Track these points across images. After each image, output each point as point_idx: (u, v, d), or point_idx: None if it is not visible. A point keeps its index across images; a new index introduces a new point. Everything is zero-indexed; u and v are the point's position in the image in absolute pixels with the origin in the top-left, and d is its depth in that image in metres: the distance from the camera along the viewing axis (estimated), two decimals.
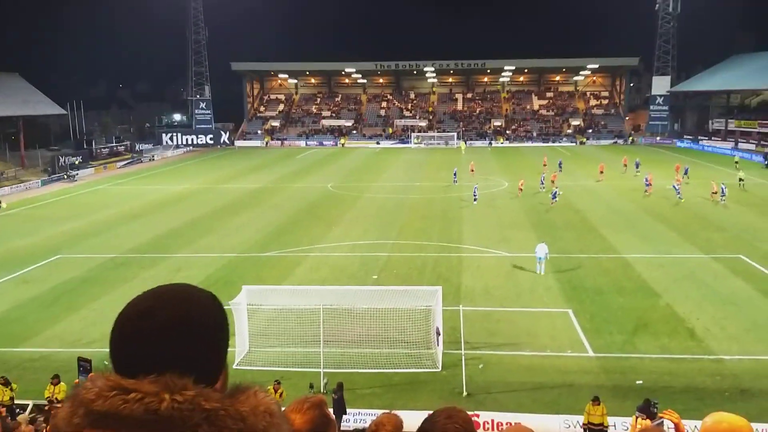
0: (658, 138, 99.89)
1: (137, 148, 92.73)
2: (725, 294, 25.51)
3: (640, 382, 18.33)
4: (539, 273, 28.11)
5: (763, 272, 28.25)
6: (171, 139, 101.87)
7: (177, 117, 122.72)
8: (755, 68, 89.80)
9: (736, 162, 65.90)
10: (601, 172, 57.51)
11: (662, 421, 2.75)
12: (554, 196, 44.45)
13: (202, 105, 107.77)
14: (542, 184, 50.68)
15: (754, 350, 20.36)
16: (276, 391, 16.42)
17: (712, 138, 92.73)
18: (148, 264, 31.18)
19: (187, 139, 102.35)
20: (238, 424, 1.28)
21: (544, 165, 62.29)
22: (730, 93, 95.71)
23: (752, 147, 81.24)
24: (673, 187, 47.32)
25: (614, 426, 15.76)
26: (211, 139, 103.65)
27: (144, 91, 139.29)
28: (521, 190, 48.01)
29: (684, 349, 20.47)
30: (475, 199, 45.36)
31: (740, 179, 50.87)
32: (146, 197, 52.19)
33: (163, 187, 58.44)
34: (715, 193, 44.77)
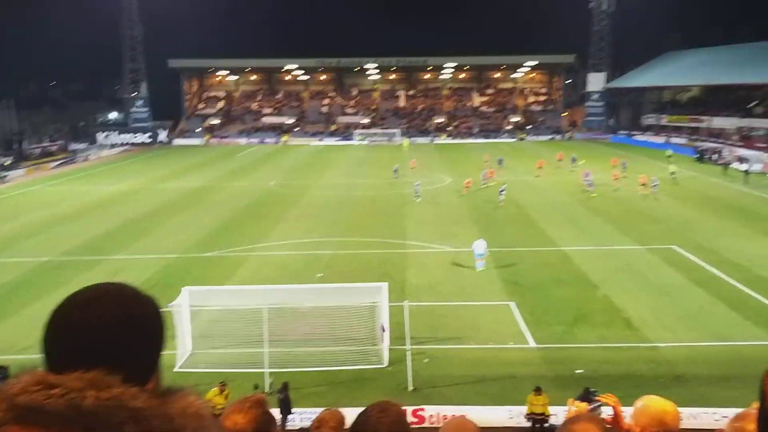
0: (592, 132, 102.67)
1: (71, 147, 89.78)
2: (659, 284, 26.42)
3: (580, 371, 18.83)
4: (479, 270, 28.38)
5: (695, 262, 29.38)
6: (106, 138, 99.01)
7: (113, 115, 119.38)
8: (685, 65, 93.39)
9: (669, 156, 68.48)
10: (540, 168, 58.78)
11: (599, 405, 2.82)
12: (501, 193, 43.84)
13: (139, 103, 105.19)
14: (484, 180, 51.46)
15: (686, 338, 21.15)
16: (222, 393, 16.19)
17: (646, 132, 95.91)
18: (83, 267, 30.22)
19: (123, 138, 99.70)
20: (165, 425, 1.26)
21: (486, 161, 63.26)
22: (662, 89, 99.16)
23: (683, 141, 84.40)
24: (585, 180, 48.42)
25: (556, 415, 16.12)
26: (148, 137, 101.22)
27: (78, 89, 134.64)
28: (467, 188, 48.34)
29: (621, 338, 21.12)
30: (417, 196, 45.68)
31: (671, 172, 52.82)
32: (81, 198, 50.59)
33: (99, 187, 56.75)
34: (644, 185, 46.36)
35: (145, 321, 1.43)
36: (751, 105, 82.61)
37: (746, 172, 53.65)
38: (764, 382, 1.51)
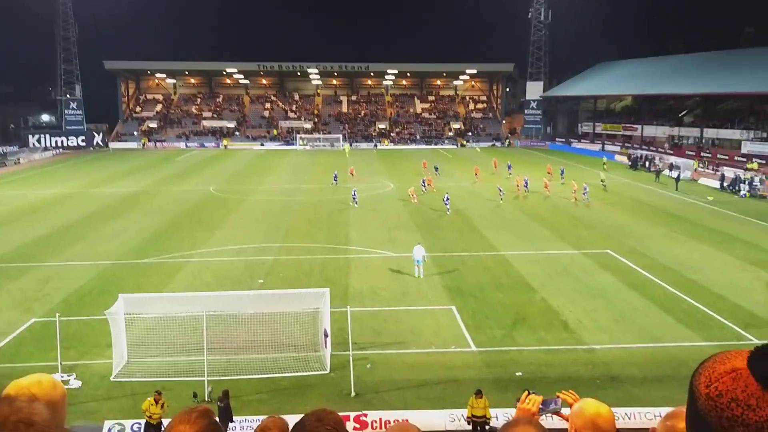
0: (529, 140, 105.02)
1: (1, 151, 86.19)
2: (595, 287, 27.15)
3: (520, 373, 19.15)
4: (418, 276, 28.41)
5: (628, 266, 30.32)
6: (39, 141, 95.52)
7: (45, 118, 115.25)
8: (618, 75, 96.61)
9: (604, 164, 70.77)
10: (476, 174, 59.71)
11: (559, 400, 2.83)
12: (446, 202, 43.55)
13: (73, 105, 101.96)
14: (424, 187, 51.91)
15: (622, 339, 21.77)
16: (157, 402, 15.78)
17: (582, 140, 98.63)
18: (14, 274, 29.03)
19: (56, 141, 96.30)
20: None
21: (424, 167, 64.06)
22: (596, 98, 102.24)
23: (617, 149, 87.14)
24: (498, 189, 49.04)
25: (496, 417, 16.33)
26: (83, 140, 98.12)
27: (7, 90, 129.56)
28: (414, 195, 48.04)
29: (559, 341, 21.58)
30: (354, 202, 45.53)
31: (602, 180, 54.63)
32: (11, 203, 48.57)
33: (30, 192, 54.63)
34: (576, 191, 47.85)
35: None
36: (681, 114, 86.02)
37: (677, 179, 55.77)
38: (692, 382, 1.56)
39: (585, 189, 47.43)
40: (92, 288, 27.01)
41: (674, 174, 59.05)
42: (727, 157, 67.39)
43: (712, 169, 59.58)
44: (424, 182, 52.78)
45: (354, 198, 46.03)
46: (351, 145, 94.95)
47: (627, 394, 17.83)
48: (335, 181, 56.11)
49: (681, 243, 34.84)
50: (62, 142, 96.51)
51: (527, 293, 26.45)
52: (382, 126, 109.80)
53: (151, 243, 35.18)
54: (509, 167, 63.90)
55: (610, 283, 27.70)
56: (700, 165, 59.49)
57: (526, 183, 51.03)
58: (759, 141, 67.14)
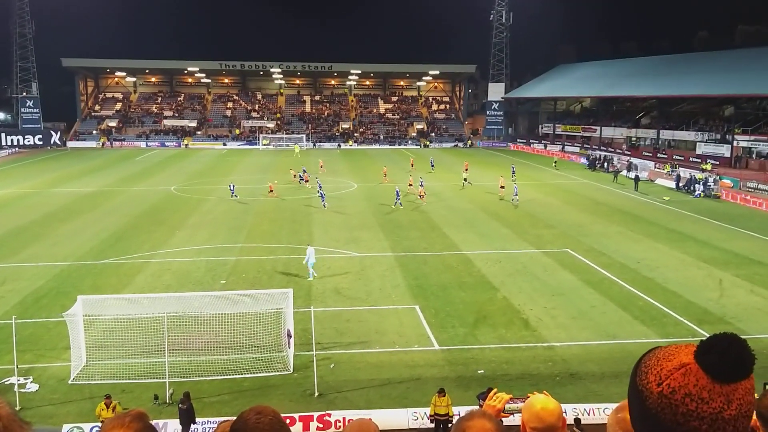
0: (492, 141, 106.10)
1: None
2: (554, 285, 27.62)
3: (482, 371, 19.40)
4: (311, 278, 28.12)
5: (587, 264, 30.91)
6: None
7: (0, 116, 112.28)
8: (577, 77, 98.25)
9: (555, 162, 72.56)
10: (385, 176, 59.28)
11: (524, 399, 2.91)
12: (398, 196, 45.35)
13: (29, 103, 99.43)
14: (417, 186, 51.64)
15: (580, 336, 22.21)
16: (108, 407, 15.57)
17: (542, 141, 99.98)
18: None
19: (12, 140, 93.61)
20: None
21: (385, 175, 64.64)
22: (556, 100, 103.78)
23: (576, 150, 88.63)
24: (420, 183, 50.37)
25: (459, 415, 16.52)
26: (39, 139, 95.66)
27: None
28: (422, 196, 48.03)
29: (519, 339, 21.91)
30: (323, 201, 45.35)
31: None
32: None
33: None
34: (503, 187, 49.58)
35: None
36: (639, 116, 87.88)
37: (636, 179, 56.89)
38: (637, 381, 1.62)
39: (515, 191, 48.01)
40: (50, 289, 26.48)
41: (632, 174, 60.29)
42: (682, 158, 69.08)
43: (668, 173, 60.81)
44: (421, 183, 51.84)
45: (322, 197, 45.70)
46: (299, 145, 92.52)
47: (586, 390, 18.21)
48: (302, 180, 56.14)
49: (638, 242, 35.62)
50: (18, 140, 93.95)
51: (489, 292, 26.76)
52: (345, 126, 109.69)
53: (111, 244, 34.60)
54: (432, 165, 68.28)
55: (569, 281, 28.20)
56: (672, 169, 60.39)
57: (422, 183, 50.73)
58: (713, 143, 69.01)
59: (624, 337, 22.05)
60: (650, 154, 74.61)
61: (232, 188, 49.49)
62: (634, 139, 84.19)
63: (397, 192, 45.97)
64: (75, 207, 45.51)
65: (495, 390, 3.16)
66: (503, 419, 2.87)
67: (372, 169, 68.61)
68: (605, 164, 71.66)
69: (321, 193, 46.34)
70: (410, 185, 51.64)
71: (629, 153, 77.28)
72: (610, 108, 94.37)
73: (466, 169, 58.86)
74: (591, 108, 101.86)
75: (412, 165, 67.99)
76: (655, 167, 65.41)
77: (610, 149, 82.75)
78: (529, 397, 2.85)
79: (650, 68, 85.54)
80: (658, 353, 1.61)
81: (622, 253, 32.76)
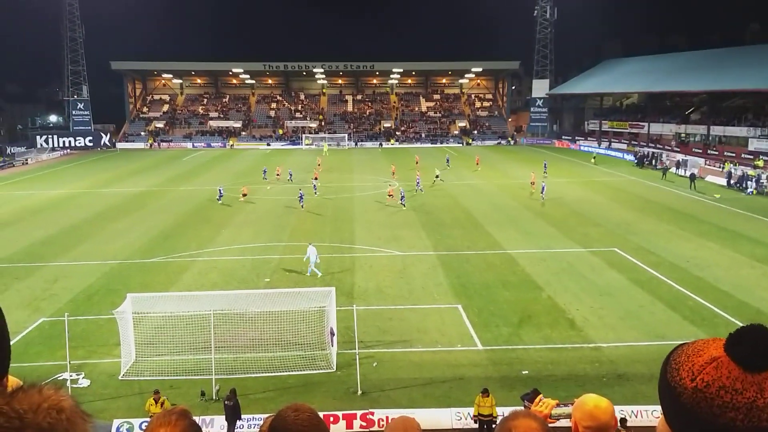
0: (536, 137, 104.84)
1: (8, 151, 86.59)
2: (601, 285, 27.12)
3: (526, 372, 19.15)
4: (311, 275, 28.17)
5: (635, 263, 30.27)
6: (46, 141, 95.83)
7: (53, 118, 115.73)
8: (624, 73, 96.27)
9: (594, 157, 71.62)
10: (393, 174, 59.18)
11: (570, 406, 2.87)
12: (402, 198, 45.12)
13: (80, 105, 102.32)
14: (418, 185, 51.76)
15: (628, 337, 21.75)
16: (157, 402, 15.86)
17: (588, 138, 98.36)
18: (22, 274, 29.23)
19: (64, 142, 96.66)
20: (12, 422, 1.25)
21: (417, 163, 65.24)
22: (602, 96, 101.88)
23: (624, 146, 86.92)
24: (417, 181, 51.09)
25: (503, 416, 16.34)
26: (90, 141, 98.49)
27: (15, 91, 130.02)
28: (390, 196, 47.77)
29: (565, 339, 21.57)
30: (300, 202, 44.95)
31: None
32: (19, 203, 48.87)
33: (38, 192, 54.93)
34: (533, 183, 49.46)
35: None
36: (688, 112, 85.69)
37: (692, 176, 55.23)
38: (669, 378, 1.63)
39: (543, 188, 47.35)
40: (100, 287, 27.16)
41: (683, 172, 58.74)
42: (734, 155, 67.11)
43: (726, 170, 58.88)
44: (418, 182, 52.15)
45: (300, 198, 45.34)
46: (328, 144, 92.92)
47: (634, 391, 17.82)
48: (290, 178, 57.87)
49: (688, 240, 34.75)
50: (70, 142, 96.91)
51: (533, 291, 26.44)
52: (387, 125, 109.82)
53: (158, 242, 35.34)
54: (447, 161, 68.84)
55: (617, 281, 27.66)
56: (733, 166, 58.31)
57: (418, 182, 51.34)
58: (765, 138, 66.84)
59: (673, 338, 21.48)
60: (700, 151, 72.68)
61: (220, 191, 48.41)
62: (683, 135, 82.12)
63: (402, 193, 45.61)
64: (124, 206, 46.63)
65: (541, 395, 3.12)
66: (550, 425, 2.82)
67: (413, 166, 68.49)
68: (653, 161, 70.13)
69: (302, 194, 45.65)
70: (390, 195, 47.63)
71: (678, 149, 75.46)
72: (659, 103, 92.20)
73: (477, 163, 58.94)
74: (638, 104, 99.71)
75: (393, 173, 62.18)
76: (705, 164, 63.70)
77: (658, 146, 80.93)
78: (575, 401, 2.80)
79: (700, 62, 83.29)
80: (687, 349, 1.66)
81: (672, 252, 31.99)
